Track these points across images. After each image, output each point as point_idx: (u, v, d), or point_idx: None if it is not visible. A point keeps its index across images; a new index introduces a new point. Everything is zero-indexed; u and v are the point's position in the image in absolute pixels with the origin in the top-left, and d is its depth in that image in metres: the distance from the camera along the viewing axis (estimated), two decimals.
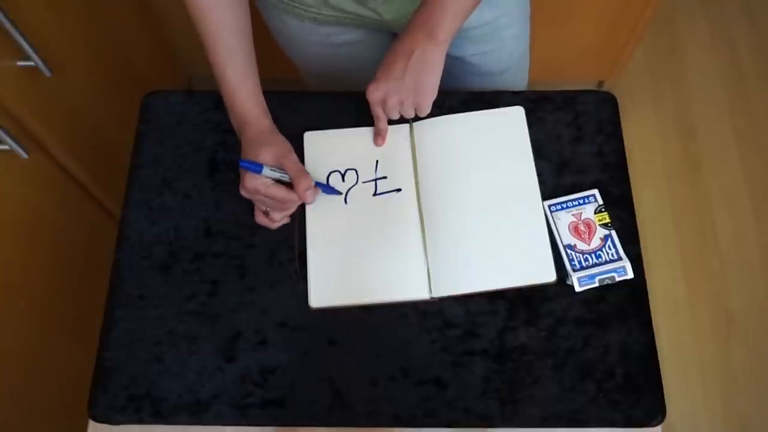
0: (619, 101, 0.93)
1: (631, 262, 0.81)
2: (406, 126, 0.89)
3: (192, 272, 0.84)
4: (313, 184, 0.81)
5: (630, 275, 0.81)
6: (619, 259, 0.81)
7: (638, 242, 0.84)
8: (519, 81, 1.10)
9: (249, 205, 0.86)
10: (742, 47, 1.89)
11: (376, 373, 0.78)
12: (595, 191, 0.86)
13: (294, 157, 0.82)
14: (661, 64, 1.87)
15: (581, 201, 0.85)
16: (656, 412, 0.76)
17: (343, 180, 0.87)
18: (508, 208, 0.85)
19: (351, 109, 0.90)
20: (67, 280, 1.19)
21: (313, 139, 0.89)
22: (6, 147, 0.94)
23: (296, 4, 0.90)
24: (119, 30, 1.36)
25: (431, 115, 0.84)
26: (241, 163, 0.79)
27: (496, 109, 0.91)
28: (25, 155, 0.97)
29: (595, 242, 0.83)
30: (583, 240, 0.83)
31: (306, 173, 0.81)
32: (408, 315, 0.81)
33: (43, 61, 0.98)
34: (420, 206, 0.85)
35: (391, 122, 0.86)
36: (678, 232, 1.69)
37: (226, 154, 0.90)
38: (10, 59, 0.96)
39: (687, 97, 1.83)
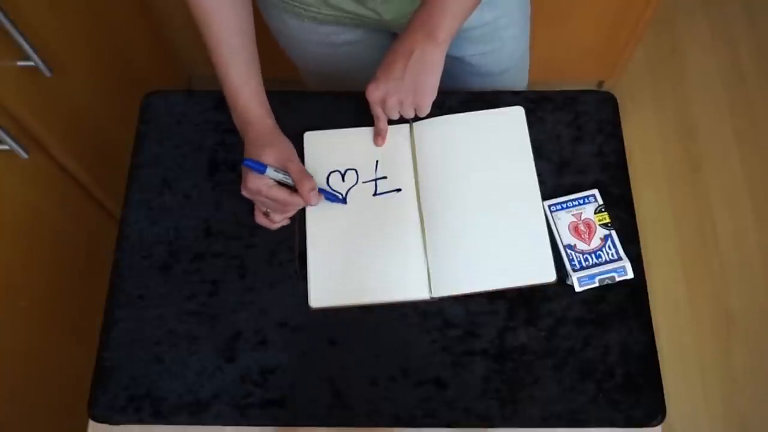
0: (619, 101, 0.93)
1: (631, 262, 0.81)
2: (406, 126, 0.89)
3: (192, 272, 0.84)
4: (317, 186, 0.81)
5: (630, 275, 0.81)
6: (619, 259, 0.81)
7: (638, 242, 0.84)
8: (519, 81, 1.10)
9: (249, 205, 0.86)
10: (742, 47, 1.89)
11: (376, 373, 0.78)
12: (595, 191, 0.86)
13: (297, 158, 0.82)
14: (662, 64, 1.87)
15: (581, 201, 0.85)
16: (656, 412, 0.76)
17: (343, 180, 0.87)
18: (508, 208, 0.85)
19: (351, 109, 0.90)
20: (67, 280, 1.19)
21: (313, 139, 0.89)
22: (6, 147, 0.94)
23: (296, 4, 0.90)
24: (119, 30, 1.36)
25: (431, 115, 0.84)
26: (244, 162, 0.79)
27: (496, 109, 0.91)
28: (25, 155, 0.97)
29: (595, 242, 0.83)
30: (583, 240, 0.83)
31: (309, 175, 0.81)
32: (408, 315, 0.81)
33: (43, 61, 0.98)
34: (420, 206, 0.85)
35: (391, 122, 0.86)
36: (678, 232, 1.69)
37: (226, 154, 0.90)
38: (10, 59, 0.96)
39: (687, 97, 1.83)
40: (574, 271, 0.81)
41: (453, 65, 0.95)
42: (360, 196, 0.86)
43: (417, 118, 0.86)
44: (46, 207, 1.11)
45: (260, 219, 0.85)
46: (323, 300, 0.81)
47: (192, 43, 1.58)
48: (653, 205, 1.72)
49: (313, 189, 0.80)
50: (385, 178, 0.87)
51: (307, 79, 1.15)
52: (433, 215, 0.84)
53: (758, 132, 1.79)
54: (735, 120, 1.80)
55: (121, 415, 0.78)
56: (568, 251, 0.82)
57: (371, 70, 0.79)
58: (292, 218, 0.86)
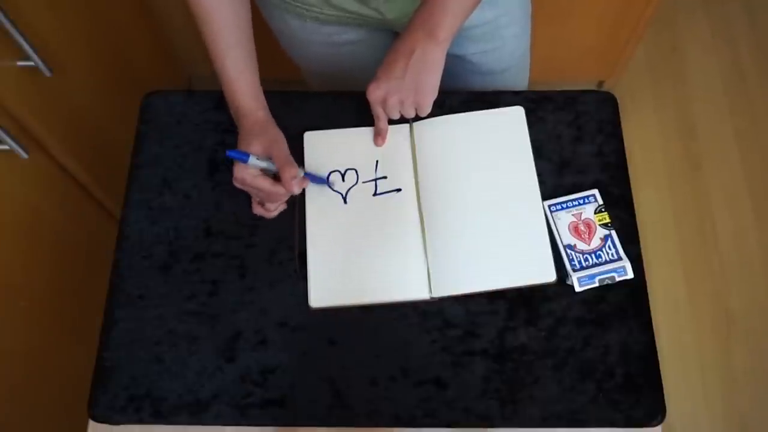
0: (619, 101, 0.93)
1: (631, 262, 0.81)
2: (407, 126, 0.89)
3: (192, 272, 0.84)
4: (302, 174, 0.82)
5: (630, 275, 0.81)
6: (619, 259, 0.81)
7: (638, 242, 0.84)
8: (520, 80, 1.10)
9: (249, 205, 0.87)
10: (742, 46, 1.88)
11: (376, 373, 0.78)
12: (595, 191, 0.86)
13: (283, 146, 0.83)
14: (662, 63, 1.87)
15: (581, 201, 0.85)
16: (656, 412, 0.76)
17: (343, 180, 0.87)
18: (508, 208, 0.85)
19: (352, 108, 0.90)
20: (67, 280, 1.19)
21: (313, 139, 0.89)
22: (6, 147, 0.94)
23: (298, 4, 0.90)
24: (119, 30, 1.36)
25: (431, 115, 0.84)
26: (228, 153, 0.80)
27: (497, 109, 0.90)
28: (25, 155, 0.97)
29: (595, 242, 0.83)
30: (583, 240, 0.83)
31: (292, 162, 0.81)
32: (408, 315, 0.81)
33: (43, 61, 0.98)
34: (420, 206, 0.85)
35: (391, 122, 0.86)
36: (678, 231, 1.69)
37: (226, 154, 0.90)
38: (10, 59, 0.96)
39: (687, 96, 1.83)
40: (574, 271, 0.81)
41: (454, 63, 0.95)
42: (360, 196, 0.86)
43: (417, 118, 0.86)
44: (46, 207, 1.11)
45: (256, 209, 0.85)
46: (323, 300, 0.81)
47: (192, 43, 1.58)
48: (653, 204, 1.72)
49: (295, 177, 0.80)
50: (385, 178, 0.87)
51: (309, 80, 1.15)
52: (433, 215, 0.84)
53: (758, 131, 1.79)
54: (735, 119, 1.80)
55: (121, 415, 0.78)
56: (568, 251, 0.82)
57: (373, 70, 0.79)
58: (291, 217, 0.86)
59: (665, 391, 0.77)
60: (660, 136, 1.79)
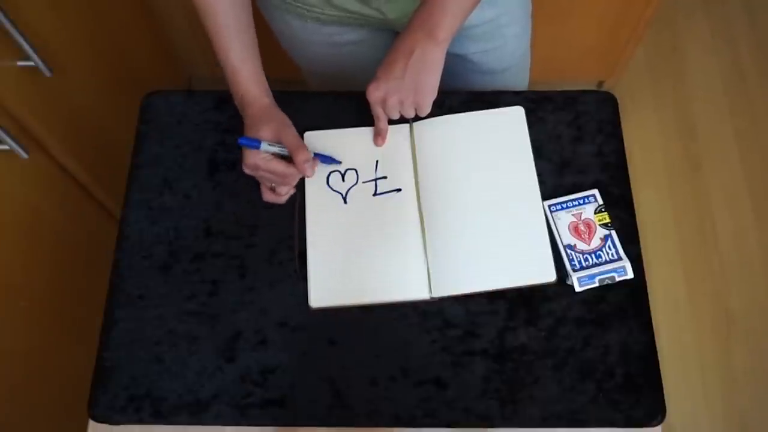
0: (619, 101, 0.93)
1: (631, 262, 0.81)
2: (406, 126, 0.89)
3: (192, 272, 0.84)
4: (312, 156, 0.83)
5: (630, 275, 0.81)
6: (619, 259, 0.81)
7: (638, 242, 0.84)
8: (520, 80, 1.10)
9: (249, 205, 0.87)
10: (742, 46, 1.88)
11: (376, 373, 0.78)
12: (595, 191, 0.86)
13: (292, 131, 0.83)
14: (662, 63, 1.87)
15: (581, 201, 0.85)
16: (656, 412, 0.76)
17: (343, 180, 0.87)
18: (508, 208, 0.85)
19: (352, 109, 0.90)
20: (67, 280, 1.19)
21: (313, 139, 0.89)
22: (6, 147, 0.94)
23: (299, 4, 0.90)
24: (119, 30, 1.36)
25: (431, 115, 0.84)
26: (239, 141, 0.80)
27: (496, 109, 0.90)
28: (25, 155, 0.97)
29: (595, 242, 0.83)
30: (583, 240, 0.83)
31: (304, 146, 0.82)
32: (408, 315, 0.81)
33: (43, 61, 0.98)
34: (420, 206, 0.85)
35: (391, 122, 0.86)
36: (678, 231, 1.69)
37: (226, 154, 0.90)
38: (10, 59, 0.96)
39: (687, 96, 1.83)
40: (574, 271, 0.81)
41: (455, 63, 0.95)
42: (360, 196, 0.86)
43: (417, 118, 0.86)
44: (46, 207, 1.11)
45: (267, 196, 0.86)
46: (323, 300, 0.81)
47: (192, 43, 1.58)
48: (653, 204, 1.72)
49: (308, 160, 0.81)
50: (385, 178, 0.87)
51: (310, 80, 1.15)
52: (433, 215, 0.84)
53: (758, 131, 1.79)
54: (735, 119, 1.80)
55: (121, 415, 0.78)
56: (568, 251, 0.82)
57: (374, 70, 0.80)
58: (292, 218, 0.86)
59: (665, 391, 0.77)
60: (660, 136, 1.79)
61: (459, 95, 0.92)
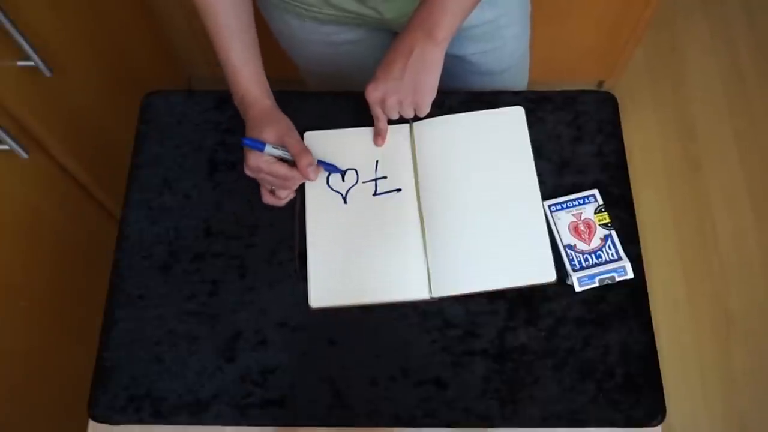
0: (619, 101, 0.93)
1: (631, 262, 0.81)
2: (406, 126, 0.89)
3: (192, 272, 0.84)
4: (315, 161, 0.83)
5: (630, 275, 0.81)
6: (619, 259, 0.81)
7: (638, 242, 0.84)
8: (519, 81, 1.10)
9: (249, 205, 0.87)
10: (742, 47, 1.89)
11: (376, 373, 0.78)
12: (595, 191, 0.86)
13: (296, 135, 0.83)
14: (661, 64, 1.87)
15: (581, 201, 0.85)
16: (656, 412, 0.76)
17: (343, 180, 0.87)
18: (508, 208, 0.85)
19: (351, 109, 0.90)
20: (67, 280, 1.19)
21: (313, 139, 0.89)
22: (6, 147, 0.94)
23: (297, 4, 0.90)
24: (119, 30, 1.36)
25: (431, 115, 0.84)
26: (244, 142, 0.80)
27: (496, 109, 0.91)
28: (25, 155, 0.97)
29: (595, 242, 0.83)
30: (583, 240, 0.83)
31: (307, 150, 0.82)
32: (408, 315, 0.81)
33: (43, 61, 0.98)
34: (420, 206, 0.85)
35: (391, 122, 0.86)
36: (678, 232, 1.69)
37: (226, 154, 0.90)
38: (10, 59, 0.96)
39: (687, 97, 1.83)
40: (574, 271, 0.81)
41: (453, 64, 0.95)
42: (360, 196, 0.86)
43: (417, 118, 0.86)
44: (46, 207, 1.11)
45: (267, 198, 0.86)
46: (323, 300, 0.81)
47: (192, 43, 1.58)
48: (653, 205, 1.72)
49: (311, 164, 0.81)
50: (385, 178, 0.87)
51: (309, 79, 1.15)
52: (433, 215, 0.84)
53: (758, 132, 1.79)
54: (735, 120, 1.80)
55: (121, 415, 0.78)
56: (568, 251, 0.82)
57: (372, 70, 0.79)
58: (292, 218, 0.86)
59: (665, 391, 0.77)
60: (659, 136, 1.79)
61: (458, 95, 0.92)
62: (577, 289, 0.80)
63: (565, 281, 0.82)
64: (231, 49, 0.82)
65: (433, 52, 0.76)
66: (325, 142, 0.89)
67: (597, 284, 0.81)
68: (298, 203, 0.87)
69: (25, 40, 0.94)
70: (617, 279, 0.81)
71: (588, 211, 0.85)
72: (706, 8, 1.93)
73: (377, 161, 0.88)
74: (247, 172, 0.83)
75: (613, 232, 0.83)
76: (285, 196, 0.86)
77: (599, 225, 0.84)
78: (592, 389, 0.77)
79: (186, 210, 0.87)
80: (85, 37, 1.20)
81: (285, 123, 0.84)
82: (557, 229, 0.83)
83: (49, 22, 1.07)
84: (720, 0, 1.94)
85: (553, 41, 1.52)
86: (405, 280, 0.82)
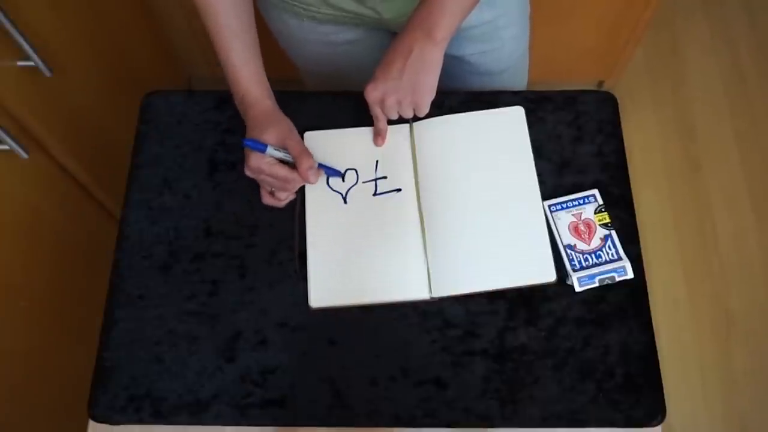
0: (619, 101, 0.93)
1: (631, 262, 0.81)
2: (406, 126, 0.89)
3: (192, 272, 0.84)
4: (316, 164, 0.83)
5: (630, 275, 0.81)
6: (619, 259, 0.81)
7: (638, 242, 0.84)
8: (518, 81, 1.10)
9: (249, 205, 0.87)
10: (742, 47, 1.89)
11: (376, 373, 0.78)
12: (595, 191, 0.86)
13: (297, 137, 0.83)
14: (662, 64, 1.87)
15: (581, 201, 0.85)
16: (656, 412, 0.76)
17: (343, 180, 0.87)
18: (508, 208, 0.85)
19: (351, 109, 0.90)
20: (67, 280, 1.19)
21: (313, 139, 0.89)
22: (6, 147, 0.94)
23: (296, 3, 0.90)
24: (119, 30, 1.36)
25: (431, 115, 0.84)
26: (245, 142, 0.80)
27: (496, 109, 0.91)
28: (25, 155, 0.97)
29: (595, 242, 0.83)
30: (583, 240, 0.83)
31: (308, 153, 0.82)
32: (408, 315, 0.81)
33: (43, 61, 0.98)
34: (420, 206, 0.85)
35: (391, 122, 0.86)
36: (678, 232, 1.69)
37: (226, 154, 0.90)
38: (10, 59, 0.96)
39: (687, 97, 1.83)
40: (574, 271, 0.81)
41: (452, 64, 0.95)
42: (360, 196, 0.86)
43: (417, 118, 0.86)
44: (46, 207, 1.11)
45: (267, 199, 0.86)
46: (323, 300, 0.81)
47: (192, 43, 1.58)
48: (653, 205, 1.72)
49: (312, 167, 0.81)
50: (385, 178, 0.87)
51: (307, 79, 1.15)
52: (433, 215, 0.84)
53: (758, 132, 1.79)
54: (735, 120, 1.80)
55: (121, 415, 0.78)
56: (568, 251, 0.82)
57: (371, 70, 0.79)
58: (292, 218, 0.86)
59: (665, 391, 0.77)
60: (660, 137, 1.79)
61: (458, 95, 0.92)
62: (577, 289, 0.80)
63: (565, 281, 0.82)
64: (231, 49, 0.81)
65: (433, 52, 0.76)
66: (324, 142, 0.89)
67: (597, 284, 0.81)
68: (298, 203, 0.87)
69: (25, 40, 0.94)
70: (617, 279, 0.81)
71: (588, 211, 0.85)
72: (706, 8, 1.93)
73: (377, 161, 0.88)
74: (248, 173, 0.82)
75: (613, 232, 0.83)
76: (284, 197, 0.86)
77: (599, 225, 0.84)
78: (592, 389, 0.77)
79: (186, 210, 0.87)
80: (85, 37, 1.20)
81: (286, 124, 0.84)
82: (557, 229, 0.83)
83: (49, 22, 1.07)
84: (720, 0, 1.94)
85: (553, 41, 1.52)
86: (405, 280, 0.82)
